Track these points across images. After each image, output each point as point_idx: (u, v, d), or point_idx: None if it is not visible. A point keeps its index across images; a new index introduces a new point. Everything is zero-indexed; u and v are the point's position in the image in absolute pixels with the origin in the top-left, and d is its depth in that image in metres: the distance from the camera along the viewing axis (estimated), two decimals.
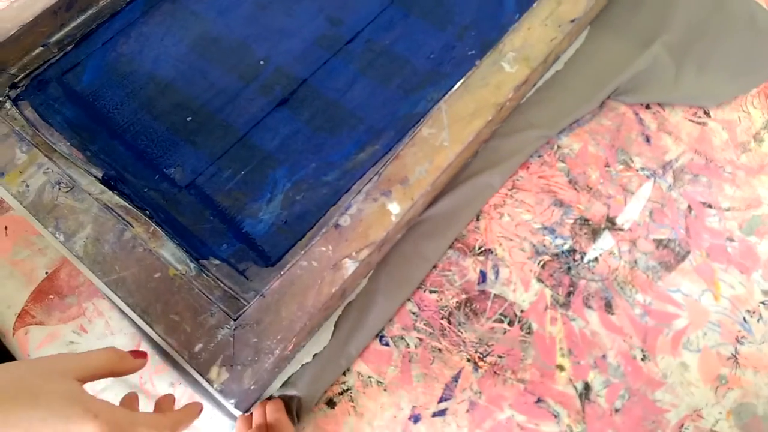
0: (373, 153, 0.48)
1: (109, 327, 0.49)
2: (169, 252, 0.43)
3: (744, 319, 0.44)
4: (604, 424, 0.42)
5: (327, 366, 0.45)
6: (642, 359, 0.44)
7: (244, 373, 0.38)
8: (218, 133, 0.50)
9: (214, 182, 0.48)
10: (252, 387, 0.37)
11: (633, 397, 0.43)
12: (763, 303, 0.44)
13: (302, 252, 0.42)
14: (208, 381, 0.37)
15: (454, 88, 0.47)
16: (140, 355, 0.35)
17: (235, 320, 0.39)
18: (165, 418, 0.32)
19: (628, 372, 0.43)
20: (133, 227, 0.43)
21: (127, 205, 0.45)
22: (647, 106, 0.52)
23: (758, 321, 0.44)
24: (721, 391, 0.42)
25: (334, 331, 0.45)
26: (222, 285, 0.43)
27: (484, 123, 0.45)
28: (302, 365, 0.44)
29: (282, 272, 0.41)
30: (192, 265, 0.43)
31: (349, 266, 0.41)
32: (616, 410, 0.43)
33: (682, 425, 0.42)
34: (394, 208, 0.43)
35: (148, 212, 0.46)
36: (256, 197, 0.47)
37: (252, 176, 0.49)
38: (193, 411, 0.36)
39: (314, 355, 0.45)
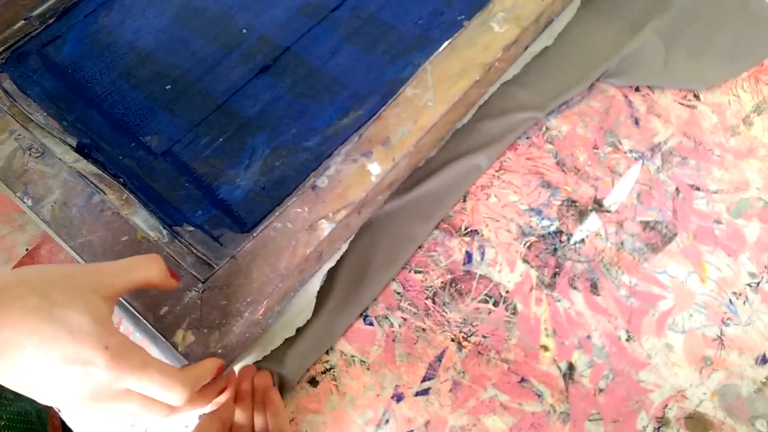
0: (357, 118, 0.47)
1: None
2: (142, 219, 0.42)
3: (730, 301, 0.44)
4: (587, 404, 0.42)
5: (310, 344, 0.45)
6: (627, 340, 0.43)
7: (210, 336, 0.37)
8: (197, 101, 0.50)
9: (191, 149, 0.48)
10: (219, 351, 0.36)
11: (617, 378, 0.42)
12: (749, 285, 0.44)
13: (277, 214, 0.41)
14: (173, 345, 0.37)
15: (440, 48, 0.46)
16: (176, 276, 0.35)
17: (203, 282, 0.39)
18: (180, 371, 0.31)
19: (613, 353, 0.43)
20: (106, 194, 0.43)
21: (101, 172, 0.45)
22: (637, 89, 0.52)
23: (744, 303, 0.44)
24: (705, 372, 0.42)
25: (316, 306, 0.45)
26: (194, 251, 0.42)
27: (471, 83, 0.44)
28: (285, 340, 0.44)
29: (255, 234, 0.40)
30: (164, 231, 0.42)
31: (326, 227, 0.40)
32: (600, 390, 0.42)
33: (666, 406, 0.41)
34: (375, 168, 0.42)
35: (122, 180, 0.45)
36: (234, 164, 0.47)
37: (230, 143, 0.48)
38: (212, 367, 0.34)
39: (297, 330, 0.44)
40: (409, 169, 0.46)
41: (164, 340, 0.37)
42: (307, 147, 0.47)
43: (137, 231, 0.41)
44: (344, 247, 0.45)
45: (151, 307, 0.38)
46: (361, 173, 0.42)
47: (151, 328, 0.38)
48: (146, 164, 0.47)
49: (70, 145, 0.46)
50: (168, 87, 0.50)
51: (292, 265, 0.39)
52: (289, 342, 0.45)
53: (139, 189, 0.45)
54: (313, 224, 0.40)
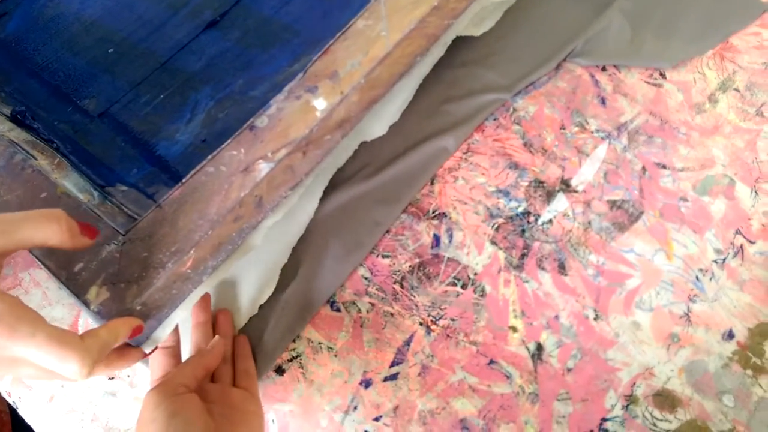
0: (308, 62, 0.46)
1: (47, 297, 0.47)
2: (72, 182, 0.40)
3: (696, 278, 0.44)
4: (556, 384, 0.42)
5: (276, 334, 0.44)
6: (594, 319, 0.43)
7: (127, 291, 0.34)
8: (139, 62, 0.48)
9: (129, 109, 0.46)
10: (138, 308, 0.33)
11: (585, 357, 0.42)
12: (715, 262, 0.44)
13: (209, 158, 0.38)
14: (85, 303, 0.34)
15: None
16: (91, 231, 0.30)
17: (124, 235, 0.36)
18: (79, 338, 0.27)
19: (581, 332, 0.43)
20: (37, 160, 0.41)
21: (34, 138, 0.43)
22: (603, 68, 0.52)
23: (710, 279, 0.44)
24: (672, 349, 0.42)
25: (280, 293, 0.44)
26: (126, 210, 0.40)
27: (429, 9, 0.41)
28: (250, 318, 0.43)
29: (184, 180, 0.38)
30: (95, 193, 0.40)
31: (263, 168, 0.37)
32: (568, 370, 0.42)
33: (634, 383, 0.41)
34: (320, 103, 0.39)
35: (55, 144, 0.44)
36: (174, 119, 0.45)
37: (171, 99, 0.46)
38: (123, 328, 0.31)
39: (260, 307, 0.43)
40: (362, 106, 0.41)
41: (78, 300, 0.34)
42: (253, 96, 0.44)
43: (57, 187, 0.38)
44: (294, 199, 0.41)
45: (65, 264, 0.35)
46: (304, 110, 0.39)
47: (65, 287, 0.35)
48: (82, 127, 0.46)
49: (5, 115, 0.44)
50: (111, 50, 0.49)
51: (224, 210, 0.36)
52: (255, 333, 0.44)
53: (72, 152, 0.44)
54: (249, 166, 0.37)
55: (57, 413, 0.44)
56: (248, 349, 0.42)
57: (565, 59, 0.52)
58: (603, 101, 0.50)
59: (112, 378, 0.45)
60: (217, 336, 0.40)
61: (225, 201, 0.36)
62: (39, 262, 0.42)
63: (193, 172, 0.38)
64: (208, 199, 0.37)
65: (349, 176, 0.49)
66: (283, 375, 0.44)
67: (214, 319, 0.43)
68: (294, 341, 0.45)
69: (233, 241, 0.37)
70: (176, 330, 0.42)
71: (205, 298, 0.44)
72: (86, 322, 0.46)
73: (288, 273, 0.45)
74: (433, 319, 0.44)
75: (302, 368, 0.44)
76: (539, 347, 0.43)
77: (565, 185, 0.48)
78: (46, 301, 0.47)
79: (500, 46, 0.53)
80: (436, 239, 0.47)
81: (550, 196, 0.47)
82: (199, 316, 0.42)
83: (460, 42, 0.53)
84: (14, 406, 0.45)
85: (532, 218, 0.47)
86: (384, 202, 0.48)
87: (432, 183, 0.49)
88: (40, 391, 0.45)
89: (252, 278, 0.45)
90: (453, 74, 0.52)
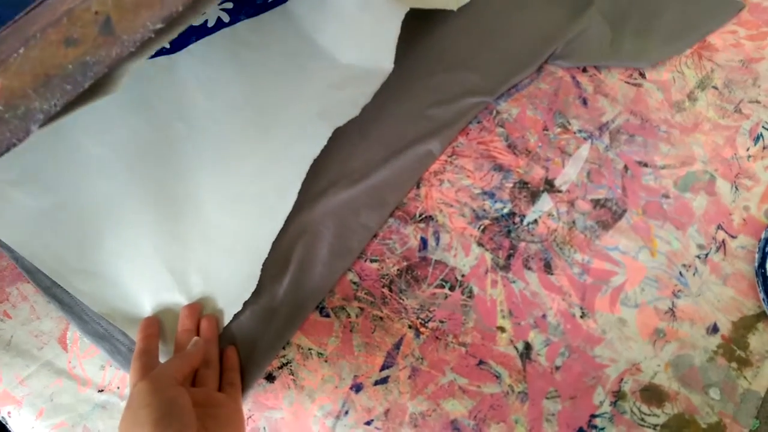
0: None
1: (35, 311, 0.47)
2: None
3: (680, 273, 0.44)
4: (545, 383, 0.42)
5: (265, 341, 0.44)
6: (581, 317, 0.44)
7: None
8: None
9: None
10: None
11: (573, 355, 0.43)
12: (698, 257, 0.45)
13: None
14: None
15: None
16: None
17: None
18: None
19: (568, 330, 0.43)
20: None
21: None
22: (584, 70, 0.52)
23: (694, 274, 0.44)
24: (659, 344, 0.42)
25: (265, 297, 0.44)
26: None
27: None
28: (234, 315, 0.43)
29: None
30: None
31: None
32: (557, 368, 0.42)
33: (622, 379, 0.42)
34: None
35: None
36: None
37: None
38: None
39: (248, 306, 0.44)
40: None
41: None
42: None
43: None
44: (163, 40, 0.32)
45: None
46: None
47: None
48: None
49: None
50: None
51: (45, 23, 0.27)
52: (244, 342, 0.44)
53: None
54: None
55: (47, 428, 0.44)
56: (235, 361, 0.42)
57: (546, 61, 0.53)
58: (584, 102, 0.51)
59: (102, 390, 0.45)
60: (196, 337, 0.41)
61: (50, 13, 0.28)
62: (27, 276, 0.43)
63: None
64: (28, 11, 0.28)
65: (336, 182, 0.49)
66: (273, 382, 0.44)
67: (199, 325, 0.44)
68: (284, 348, 0.45)
69: (71, 77, 0.28)
70: (156, 336, 0.42)
71: (193, 306, 0.44)
72: (74, 334, 0.46)
73: (275, 278, 0.46)
74: (422, 322, 0.45)
75: (293, 375, 0.44)
76: (527, 346, 0.43)
77: (549, 185, 0.48)
78: (34, 315, 0.47)
79: (482, 50, 0.53)
80: (424, 242, 0.47)
81: (534, 196, 0.48)
82: (185, 324, 0.43)
83: (442, 46, 0.53)
84: (4, 422, 0.44)
85: (517, 219, 0.47)
86: (371, 207, 0.48)
87: (418, 187, 0.49)
88: (30, 406, 0.44)
89: (232, 274, 0.45)
90: (436, 79, 0.53)
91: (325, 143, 0.46)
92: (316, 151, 0.45)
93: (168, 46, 0.49)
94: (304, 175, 0.45)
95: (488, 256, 0.46)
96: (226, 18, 0.50)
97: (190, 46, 0.50)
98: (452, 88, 0.52)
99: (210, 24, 0.50)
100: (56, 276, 0.46)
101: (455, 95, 0.52)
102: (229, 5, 0.51)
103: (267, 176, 0.47)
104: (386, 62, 0.47)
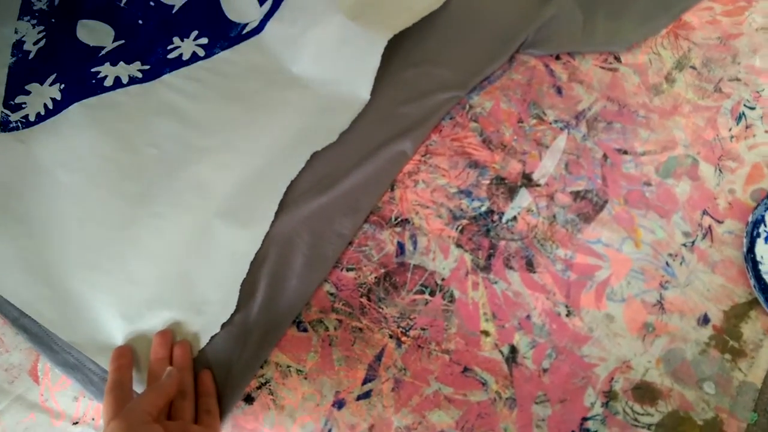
0: None
1: (3, 344, 0.46)
2: None
3: (667, 264, 0.43)
4: (533, 387, 0.40)
5: (242, 362, 0.42)
6: (567, 315, 0.42)
7: None
8: None
9: None
10: None
11: (560, 356, 0.41)
12: (684, 245, 0.43)
13: None
14: None
15: None
16: None
17: None
18: None
19: (554, 330, 0.42)
20: None
21: None
22: (557, 57, 0.50)
23: (681, 264, 0.43)
24: (648, 339, 0.41)
25: (242, 314, 0.42)
26: None
27: None
28: (211, 337, 0.42)
29: None
30: None
31: None
32: (545, 370, 0.41)
33: (612, 378, 0.40)
34: None
35: None
36: None
37: None
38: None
39: (222, 326, 0.42)
40: None
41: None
42: None
43: None
44: None
45: None
46: None
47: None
48: None
49: None
50: None
51: None
52: (220, 364, 0.42)
53: None
54: None
55: None
56: (211, 387, 0.41)
57: (518, 51, 0.51)
58: (559, 90, 0.49)
59: (77, 423, 0.43)
60: (170, 367, 0.39)
61: None
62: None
63: None
64: None
65: (307, 189, 0.47)
66: (252, 403, 0.42)
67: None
68: (261, 367, 0.43)
69: None
70: (129, 366, 0.41)
71: (165, 333, 0.42)
72: (45, 366, 0.44)
73: (247, 295, 0.44)
74: (403, 330, 0.43)
75: (272, 394, 0.42)
76: (513, 350, 0.42)
77: (527, 180, 0.46)
78: (3, 347, 0.45)
79: (451, 42, 0.52)
80: (401, 247, 0.45)
81: (512, 192, 0.46)
82: (158, 353, 0.41)
83: (409, 41, 0.51)
84: None
85: (496, 217, 0.45)
86: (345, 213, 0.46)
87: (392, 189, 0.47)
88: None
89: (209, 296, 0.44)
90: (405, 75, 0.51)
91: (303, 166, 0.45)
92: (293, 174, 0.45)
93: (139, 75, 0.48)
94: (281, 197, 0.45)
95: (468, 257, 0.44)
96: (201, 53, 0.50)
97: (164, 77, 0.48)
98: (422, 84, 0.50)
99: (185, 58, 0.49)
100: (24, 305, 0.45)
101: (425, 91, 0.50)
102: (204, 40, 0.50)
103: (244, 197, 0.46)
104: (364, 92, 0.48)
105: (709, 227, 0.43)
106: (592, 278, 0.43)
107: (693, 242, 0.43)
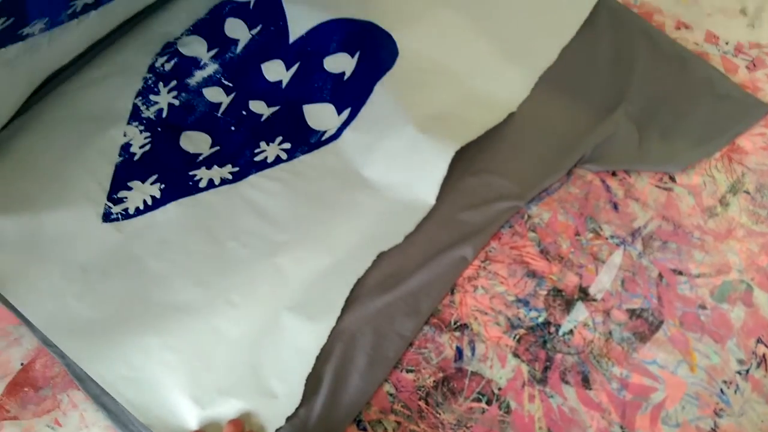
0: None
1: (84, 420, 0.49)
2: None
3: (721, 391, 0.44)
4: None
5: None
6: None
7: None
8: None
9: None
10: None
11: None
12: (739, 373, 0.44)
13: None
14: None
15: None
16: None
17: None
18: None
19: None
20: None
21: None
22: (613, 173, 0.53)
23: (735, 392, 0.44)
24: None
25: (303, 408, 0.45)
26: None
27: None
28: (276, 430, 0.44)
29: None
30: None
31: None
32: None
33: None
34: None
35: None
36: None
37: None
38: None
39: (287, 419, 0.44)
40: None
41: None
42: None
43: None
44: None
45: None
46: None
47: None
48: None
49: None
50: None
51: None
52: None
53: None
54: None
55: None
56: None
57: (575, 165, 0.54)
58: (615, 206, 0.52)
59: None
60: None
61: None
62: (77, 383, 0.44)
63: None
64: None
65: (372, 287, 0.50)
66: None
67: None
68: None
69: None
70: None
71: (237, 422, 0.45)
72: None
73: (311, 390, 0.46)
74: None
75: None
76: None
77: (584, 293, 0.48)
78: (83, 423, 0.48)
79: (512, 154, 0.55)
80: (459, 352, 0.47)
81: (569, 305, 0.48)
82: None
83: (472, 151, 0.55)
84: None
85: (552, 329, 0.47)
86: (406, 314, 0.49)
87: (452, 293, 0.50)
88: None
89: (276, 388, 0.46)
90: (467, 183, 0.54)
91: (370, 265, 0.48)
92: (361, 272, 0.48)
93: (230, 177, 0.53)
94: (347, 293, 0.47)
95: (525, 368, 0.46)
96: (284, 156, 0.54)
97: (249, 177, 0.53)
98: (483, 192, 0.53)
99: (269, 160, 0.54)
100: (105, 383, 0.48)
101: (486, 199, 0.53)
102: (287, 145, 0.55)
103: (314, 292, 0.49)
104: (430, 197, 0.51)
105: (764, 356, 0.45)
106: (647, 400, 0.44)
107: (747, 370, 0.44)
